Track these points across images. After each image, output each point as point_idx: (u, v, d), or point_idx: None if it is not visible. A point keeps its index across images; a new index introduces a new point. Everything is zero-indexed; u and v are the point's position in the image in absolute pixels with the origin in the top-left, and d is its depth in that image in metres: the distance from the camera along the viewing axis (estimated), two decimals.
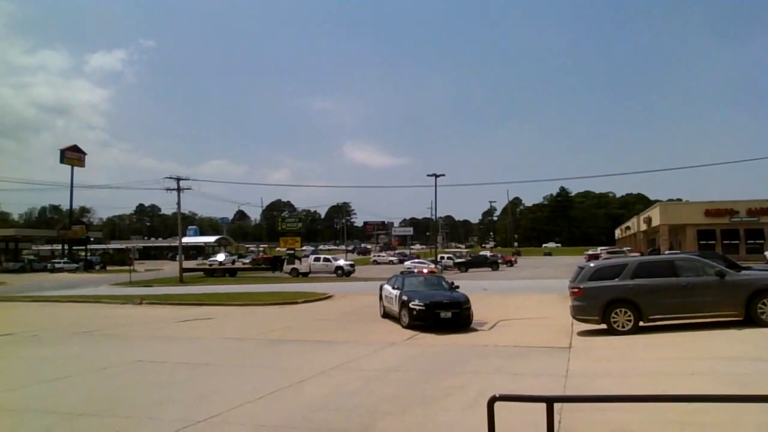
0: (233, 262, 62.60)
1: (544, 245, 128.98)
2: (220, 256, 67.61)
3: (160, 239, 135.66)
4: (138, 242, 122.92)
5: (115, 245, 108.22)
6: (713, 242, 55.48)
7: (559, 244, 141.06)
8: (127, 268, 49.47)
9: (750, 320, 12.96)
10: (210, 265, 61.61)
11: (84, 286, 41.16)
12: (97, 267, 73.39)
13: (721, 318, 13.44)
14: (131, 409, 8.19)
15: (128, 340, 15.75)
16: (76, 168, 75.86)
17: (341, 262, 52.17)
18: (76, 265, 70.11)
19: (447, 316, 15.76)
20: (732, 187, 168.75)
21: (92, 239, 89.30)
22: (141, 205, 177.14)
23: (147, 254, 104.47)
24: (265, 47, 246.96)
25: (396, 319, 17.28)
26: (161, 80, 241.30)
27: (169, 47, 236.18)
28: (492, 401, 3.79)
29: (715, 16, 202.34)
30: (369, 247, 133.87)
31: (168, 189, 48.68)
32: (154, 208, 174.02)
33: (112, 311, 24.34)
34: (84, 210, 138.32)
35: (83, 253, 79.30)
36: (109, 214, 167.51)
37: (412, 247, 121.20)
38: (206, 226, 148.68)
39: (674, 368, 9.64)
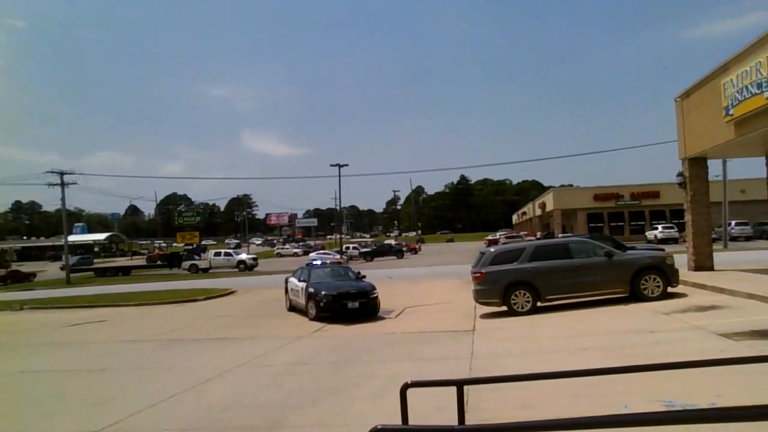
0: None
1: (439, 232, 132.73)
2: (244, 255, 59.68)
3: (42, 238, 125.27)
4: (16, 242, 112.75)
5: None
6: (601, 225, 59.86)
7: (448, 231, 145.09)
8: (2, 271, 45.24)
9: (634, 296, 14.11)
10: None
11: None
12: None
13: (610, 295, 14.51)
14: (17, 424, 7.49)
15: (8, 349, 14.41)
16: None
17: (243, 256, 50.87)
18: None
19: (354, 306, 15.79)
20: (617, 173, 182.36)
21: None
22: (18, 202, 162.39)
23: (27, 255, 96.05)
24: (154, 30, 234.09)
25: (303, 311, 17.09)
26: (34, 64, 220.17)
27: (41, 28, 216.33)
28: (404, 388, 3.78)
29: (611, 12, 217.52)
30: (273, 239, 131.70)
31: (50, 184, 45.09)
32: (33, 205, 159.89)
33: None
34: None
35: None
36: None
37: (317, 239, 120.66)
38: (95, 222, 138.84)
39: (569, 345, 10.26)
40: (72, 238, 61.48)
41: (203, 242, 53.98)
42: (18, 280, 50.91)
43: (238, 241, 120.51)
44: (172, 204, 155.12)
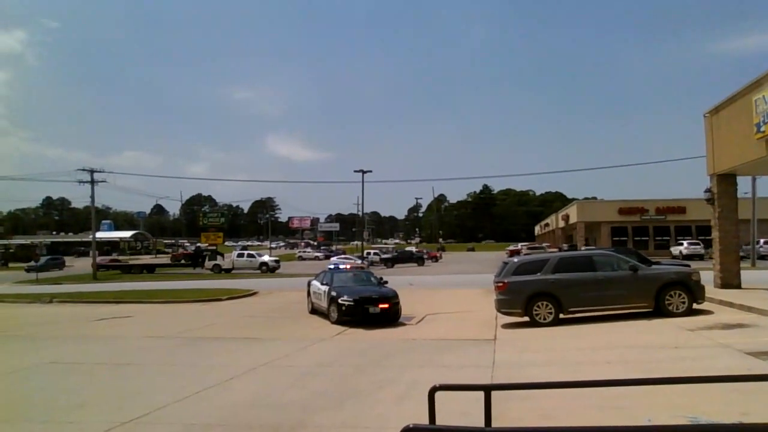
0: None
1: (445, 241, 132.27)
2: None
3: (70, 234, 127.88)
4: (45, 237, 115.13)
5: (18, 240, 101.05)
6: (625, 239, 59.12)
7: (452, 240, 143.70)
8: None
9: (659, 311, 13.95)
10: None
11: None
12: None
13: (634, 310, 14.37)
14: (48, 413, 7.72)
15: (39, 340, 14.81)
16: None
17: (266, 258, 51.35)
18: None
19: (376, 311, 15.88)
20: (642, 187, 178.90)
21: None
22: (48, 198, 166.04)
23: (56, 250, 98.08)
24: (181, 32, 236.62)
25: (325, 315, 17.23)
26: (66, 64, 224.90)
27: (74, 28, 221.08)
28: (433, 391, 3.87)
29: (642, 24, 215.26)
30: (296, 242, 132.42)
31: (80, 181, 46.10)
32: (63, 201, 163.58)
33: (18, 311, 22.80)
34: None
35: None
36: (12, 207, 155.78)
37: (338, 243, 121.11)
38: (121, 220, 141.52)
39: (592, 357, 10.21)
40: (99, 234, 62.64)
41: (215, 245, 54.31)
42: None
43: (259, 243, 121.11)
44: (196, 204, 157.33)
